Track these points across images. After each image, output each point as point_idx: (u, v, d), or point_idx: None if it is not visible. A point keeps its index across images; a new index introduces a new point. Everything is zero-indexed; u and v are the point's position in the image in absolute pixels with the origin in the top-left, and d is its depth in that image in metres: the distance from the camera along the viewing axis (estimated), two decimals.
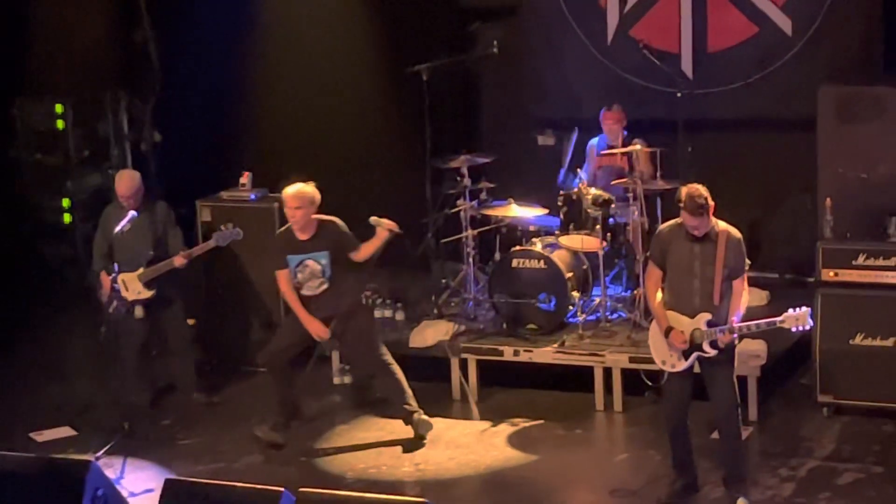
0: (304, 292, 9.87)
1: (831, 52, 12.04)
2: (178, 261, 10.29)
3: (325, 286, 9.84)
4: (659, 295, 8.79)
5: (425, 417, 10.00)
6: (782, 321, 8.56)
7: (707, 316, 8.59)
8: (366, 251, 9.86)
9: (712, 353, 8.61)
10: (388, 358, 10.05)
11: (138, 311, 10.30)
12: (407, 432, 10.02)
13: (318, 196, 9.80)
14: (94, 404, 10.67)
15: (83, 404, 10.77)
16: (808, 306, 8.64)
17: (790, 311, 8.56)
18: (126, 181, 10.38)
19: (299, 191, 9.75)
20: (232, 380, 11.29)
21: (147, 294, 10.28)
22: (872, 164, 10.76)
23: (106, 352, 10.55)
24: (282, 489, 7.29)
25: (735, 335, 8.59)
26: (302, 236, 9.80)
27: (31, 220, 12.92)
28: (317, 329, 9.83)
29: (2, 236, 12.70)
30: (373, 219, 9.87)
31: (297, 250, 9.83)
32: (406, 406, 10.02)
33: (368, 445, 10.07)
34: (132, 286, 10.23)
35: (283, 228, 10.01)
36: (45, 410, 10.73)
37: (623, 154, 11.24)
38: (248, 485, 7.62)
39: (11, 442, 9.83)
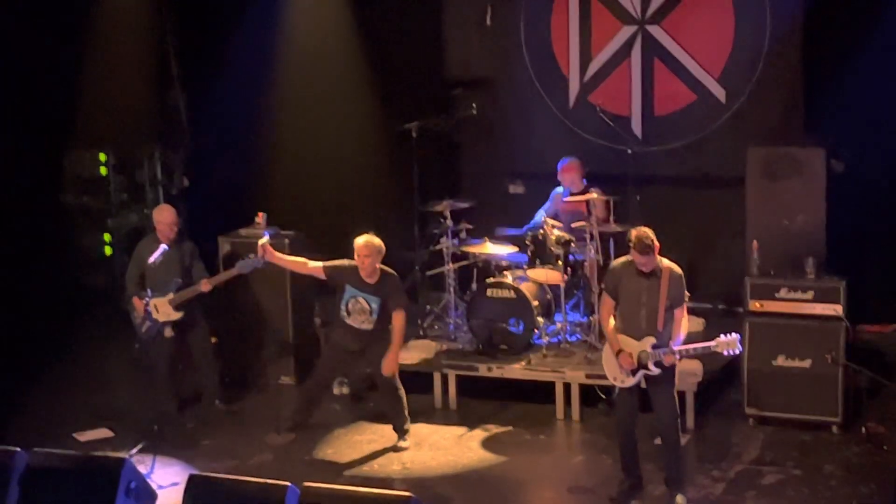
0: (350, 322, 9.85)
1: (759, 118, 12.04)
2: (205, 286, 10.26)
3: (369, 325, 9.81)
4: (611, 321, 8.80)
5: (408, 440, 10.00)
6: (716, 345, 8.57)
7: (652, 340, 8.60)
8: (397, 318, 9.81)
9: (656, 371, 8.61)
10: (398, 383, 10.01)
11: (168, 331, 10.26)
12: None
13: (383, 246, 9.78)
14: (128, 410, 10.60)
15: (119, 410, 10.70)
16: (737, 332, 8.65)
17: (722, 336, 8.58)
18: (167, 212, 10.38)
19: (369, 241, 9.73)
20: (248, 391, 11.23)
21: (176, 316, 10.24)
22: (793, 214, 10.70)
23: (139, 365, 10.50)
24: (288, 483, 7.27)
25: (676, 356, 8.59)
26: (368, 279, 9.77)
27: (75, 255, 12.86)
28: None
29: (49, 269, 12.64)
30: None
31: (357, 286, 9.78)
32: (402, 422, 10.01)
33: (363, 448, 10.03)
34: (163, 309, 10.20)
35: (352, 262, 9.85)
36: (87, 415, 10.67)
37: (582, 200, 11.27)
38: (259, 480, 7.59)
39: (57, 441, 9.77)
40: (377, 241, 9.76)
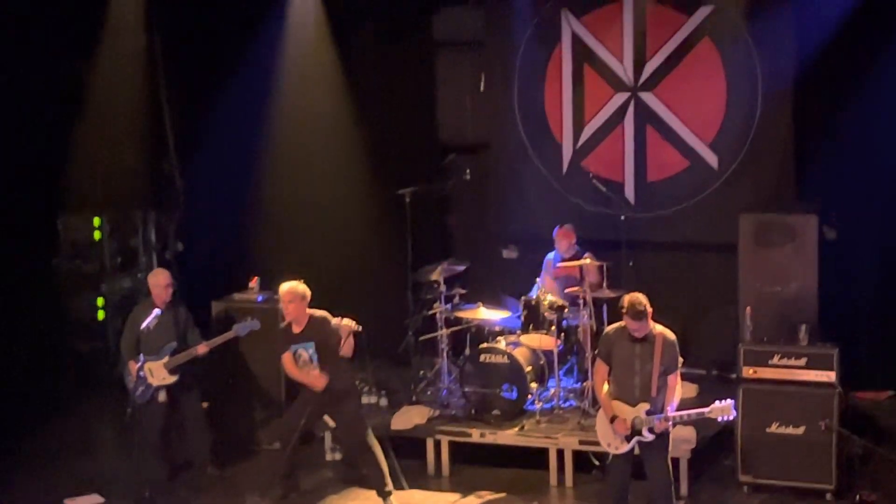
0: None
1: (751, 184, 12.14)
2: (201, 349, 10.30)
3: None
4: (605, 387, 8.83)
5: (393, 499, 9.97)
6: (710, 412, 8.61)
7: (646, 406, 8.64)
8: (345, 348, 9.84)
9: (650, 437, 8.65)
10: (372, 440, 10.00)
11: (161, 396, 10.26)
12: None
13: (307, 292, 9.82)
14: (120, 476, 10.56)
15: (111, 476, 10.66)
16: (731, 399, 8.69)
17: (716, 402, 8.62)
18: (162, 276, 10.45)
19: (291, 287, 9.80)
20: (239, 456, 11.21)
21: (171, 380, 10.26)
22: (785, 280, 10.81)
23: (131, 431, 10.49)
24: None
25: (670, 423, 8.63)
26: (296, 329, 9.83)
27: (68, 319, 12.88)
28: (315, 379, 9.78)
29: (43, 332, 12.66)
30: (335, 321, 9.88)
31: (291, 341, 9.85)
32: (383, 484, 9.97)
33: None
34: (157, 373, 10.22)
35: (286, 322, 10.00)
36: (78, 481, 10.62)
37: (576, 266, 11.34)
38: None
39: None
40: (301, 286, 9.80)
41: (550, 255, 11.84)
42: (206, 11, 12.80)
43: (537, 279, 11.67)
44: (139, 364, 10.17)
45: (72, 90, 12.70)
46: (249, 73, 12.86)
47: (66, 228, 12.82)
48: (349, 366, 10.11)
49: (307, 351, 9.83)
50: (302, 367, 9.83)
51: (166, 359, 10.22)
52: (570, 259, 11.51)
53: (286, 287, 9.81)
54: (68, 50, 12.59)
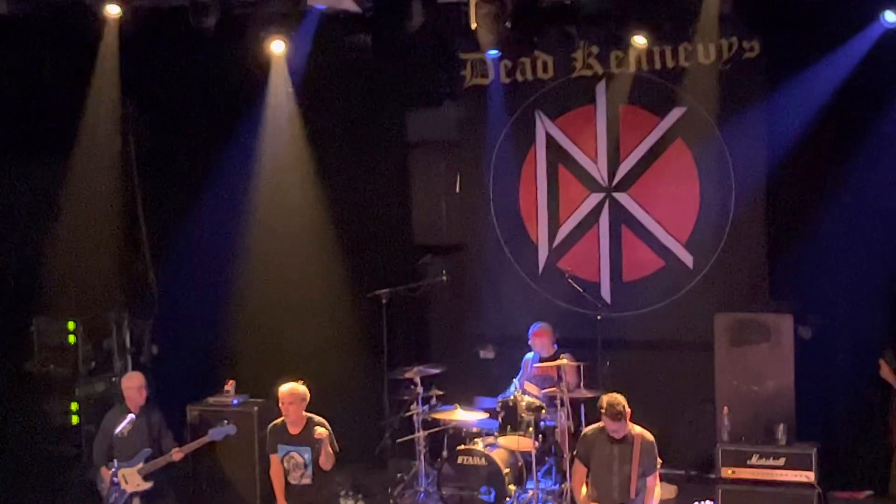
0: (290, 481, 9.79)
1: (726, 284, 12.23)
2: (177, 455, 10.25)
3: (307, 480, 9.76)
4: (584, 489, 8.85)
5: None
6: None
7: None
8: (323, 458, 9.76)
9: None
10: None
11: (136, 503, 10.19)
12: None
13: (307, 394, 9.80)
14: None
15: None
16: (710, 500, 8.72)
17: None
18: (135, 378, 10.46)
19: (293, 389, 9.77)
20: None
21: (145, 486, 10.19)
22: (761, 379, 10.87)
23: None
24: None
25: None
26: (293, 430, 9.78)
27: (41, 423, 12.79)
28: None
29: (14, 437, 12.57)
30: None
31: (285, 441, 9.79)
32: None
33: None
34: (132, 479, 10.16)
35: (279, 420, 9.91)
36: None
37: (553, 366, 11.37)
38: None
39: None
40: (301, 388, 9.79)
41: (529, 355, 11.88)
42: (181, 115, 12.91)
43: (514, 379, 11.71)
44: (113, 470, 10.11)
45: (46, 192, 12.73)
46: (224, 175, 12.90)
47: (39, 332, 12.77)
48: (333, 471, 10.06)
49: (302, 456, 9.78)
50: (291, 470, 9.76)
51: (140, 465, 10.17)
52: (549, 359, 11.56)
53: (286, 389, 9.78)
54: (43, 152, 12.65)
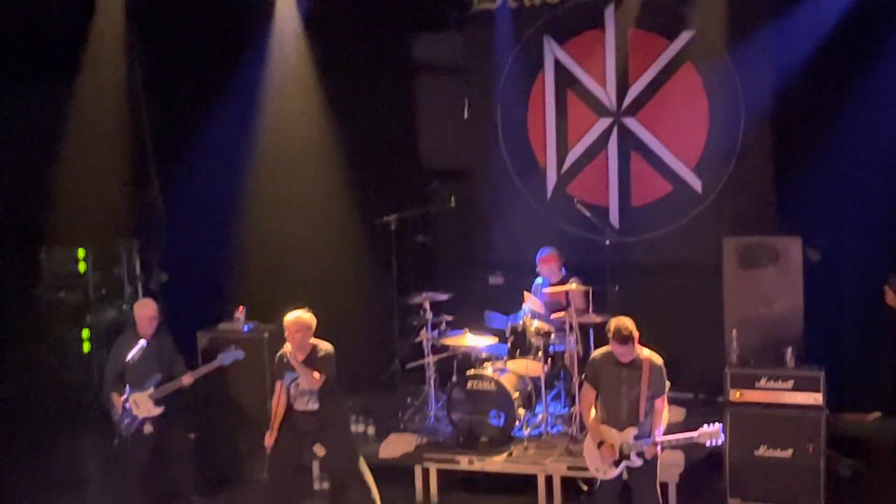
0: (298, 407, 9.77)
1: (734, 208, 12.20)
2: (186, 380, 10.24)
3: (314, 405, 9.74)
4: (593, 412, 8.84)
5: None
6: (698, 436, 8.62)
7: (633, 431, 8.64)
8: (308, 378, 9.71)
9: (638, 462, 8.65)
10: (364, 469, 9.97)
11: (147, 428, 10.16)
12: None
13: (313, 322, 9.74)
14: None
15: None
16: (719, 422, 8.70)
17: (704, 427, 8.62)
18: (148, 307, 10.38)
19: (298, 317, 9.71)
20: (226, 486, 11.17)
21: (156, 411, 10.19)
22: (770, 302, 10.85)
23: (117, 462, 10.45)
24: None
25: (658, 447, 8.63)
26: (300, 357, 9.78)
27: (53, 350, 12.83)
28: (268, 438, 9.74)
29: (27, 364, 12.62)
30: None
31: (291, 369, 9.76)
32: None
33: None
34: (143, 405, 10.17)
35: (286, 349, 9.81)
36: None
37: (561, 291, 11.35)
38: None
39: None
40: (307, 316, 9.71)
41: (539, 280, 11.85)
42: (187, 40, 12.80)
43: (523, 304, 11.69)
44: (125, 396, 10.13)
45: (53, 121, 12.68)
46: (231, 103, 12.84)
47: (49, 260, 12.79)
48: (342, 398, 10.07)
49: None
50: (298, 396, 9.77)
51: (151, 390, 10.17)
52: (557, 284, 11.54)
53: (292, 317, 9.71)
54: (48, 80, 12.58)
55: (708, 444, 8.71)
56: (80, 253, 12.70)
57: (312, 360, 9.72)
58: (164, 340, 10.43)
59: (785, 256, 10.83)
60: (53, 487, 11.26)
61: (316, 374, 9.60)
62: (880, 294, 10.20)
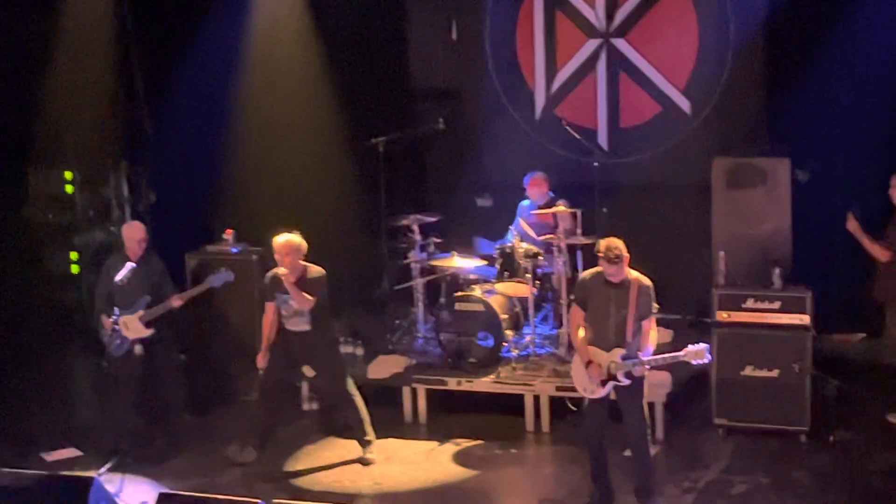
0: (290, 327, 9.77)
1: (723, 129, 12.15)
2: (176, 302, 10.15)
3: (306, 326, 9.73)
4: (581, 332, 8.80)
5: (373, 448, 9.97)
6: (684, 356, 8.58)
7: (621, 351, 8.61)
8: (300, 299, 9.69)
9: (626, 382, 8.63)
10: (353, 389, 9.99)
11: (137, 349, 10.07)
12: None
13: (303, 244, 9.70)
14: (97, 429, 10.54)
15: (88, 428, 10.65)
16: (705, 343, 8.67)
17: (691, 347, 8.58)
18: (137, 229, 10.25)
19: (287, 240, 9.67)
20: (216, 406, 11.19)
21: (146, 333, 10.10)
22: (758, 223, 10.80)
23: (107, 383, 10.42)
24: (258, 501, 7.24)
25: (645, 367, 8.61)
26: (291, 279, 9.72)
27: (42, 272, 12.77)
28: (260, 359, 9.79)
29: (15, 286, 12.55)
30: None
31: (283, 290, 9.73)
32: (363, 433, 9.98)
33: (333, 464, 9.98)
34: (133, 326, 10.09)
35: (277, 268, 9.76)
36: (55, 434, 10.58)
37: (549, 213, 11.29)
38: (229, 497, 7.57)
39: (26, 461, 9.74)
40: (296, 239, 9.68)
41: (525, 203, 11.78)
42: None
43: (510, 226, 11.63)
44: (114, 318, 10.07)
45: (39, 42, 12.50)
46: (219, 24, 12.66)
47: (37, 181, 12.69)
48: (332, 319, 10.04)
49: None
50: (291, 317, 9.73)
51: (141, 312, 10.09)
52: (544, 206, 11.47)
53: (282, 240, 9.66)
54: (36, 1, 12.40)
55: (694, 363, 8.66)
56: (68, 174, 12.59)
57: (304, 282, 9.67)
58: (153, 262, 10.32)
59: (773, 177, 10.76)
60: (46, 407, 11.27)
61: (307, 296, 9.56)
62: (870, 213, 10.16)
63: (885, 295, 10.08)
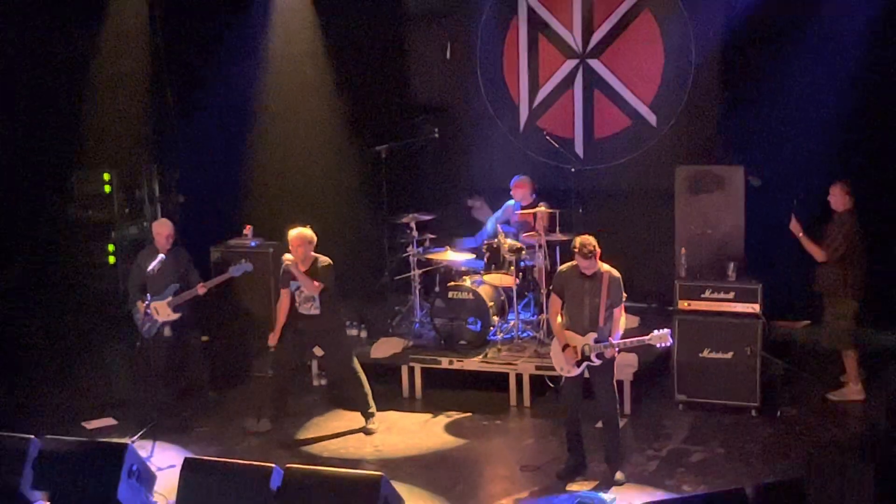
0: (302, 311, 9.77)
1: (685, 140, 12.14)
2: (201, 290, 10.13)
3: (315, 310, 9.73)
4: (559, 319, 8.80)
5: (375, 419, 9.96)
6: (650, 339, 8.60)
7: (594, 335, 8.61)
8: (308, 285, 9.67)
9: (598, 362, 8.63)
10: (357, 367, 9.98)
11: (167, 331, 10.10)
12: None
13: (314, 237, 9.71)
14: (131, 401, 10.51)
15: (123, 401, 10.63)
16: (668, 328, 8.68)
17: (655, 332, 8.60)
18: (165, 226, 10.23)
19: (300, 233, 9.68)
20: (235, 382, 11.17)
21: (174, 316, 10.10)
22: (715, 223, 10.80)
23: (140, 361, 10.40)
24: (273, 465, 7.23)
25: (615, 349, 8.61)
26: (302, 268, 9.71)
27: (83, 263, 12.75)
28: (271, 338, 9.81)
29: (62, 275, 12.57)
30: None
31: (297, 278, 9.72)
32: (367, 406, 9.97)
33: (339, 433, 9.97)
34: (162, 311, 10.08)
35: (291, 262, 9.70)
36: (94, 405, 10.59)
37: (531, 214, 11.28)
38: (247, 462, 7.57)
39: (68, 429, 9.71)
40: (308, 232, 9.68)
41: (511, 203, 11.77)
42: None
43: (491, 217, 11.69)
44: (146, 303, 10.06)
45: (82, 58, 12.52)
46: (241, 46, 12.70)
47: (79, 182, 12.70)
48: (339, 305, 10.02)
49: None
50: (303, 302, 9.72)
51: (170, 298, 10.08)
52: (528, 207, 11.46)
53: (295, 232, 9.68)
54: (78, 17, 12.40)
55: (659, 346, 8.70)
56: (106, 176, 12.61)
57: (314, 270, 9.68)
58: (180, 254, 10.30)
59: (729, 183, 10.75)
60: (86, 383, 11.26)
61: (315, 283, 9.56)
62: (814, 214, 10.16)
63: (824, 287, 10.08)
